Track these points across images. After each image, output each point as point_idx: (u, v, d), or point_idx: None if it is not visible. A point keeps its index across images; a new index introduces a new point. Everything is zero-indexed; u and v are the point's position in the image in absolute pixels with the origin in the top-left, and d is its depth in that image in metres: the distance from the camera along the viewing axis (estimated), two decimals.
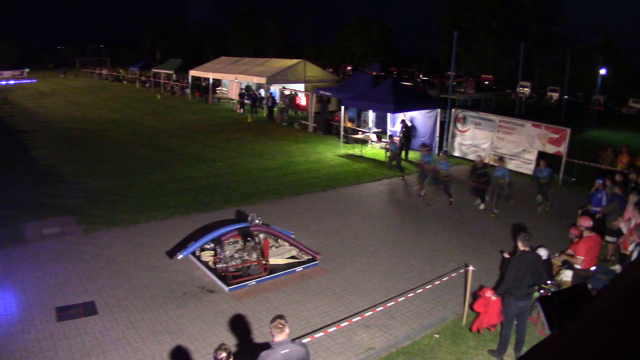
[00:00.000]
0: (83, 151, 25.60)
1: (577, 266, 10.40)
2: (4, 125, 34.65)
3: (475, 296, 9.67)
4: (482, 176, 17.19)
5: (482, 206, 17.42)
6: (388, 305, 10.14)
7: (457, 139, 24.94)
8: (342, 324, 9.50)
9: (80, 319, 10.15)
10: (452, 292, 11.19)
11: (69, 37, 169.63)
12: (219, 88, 48.97)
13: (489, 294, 8.87)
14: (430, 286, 10.87)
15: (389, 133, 26.36)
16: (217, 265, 11.83)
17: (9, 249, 13.42)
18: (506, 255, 10.36)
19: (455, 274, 11.21)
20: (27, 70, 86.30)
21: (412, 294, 10.51)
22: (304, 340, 8.02)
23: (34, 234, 14.53)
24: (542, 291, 9.87)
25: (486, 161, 18.66)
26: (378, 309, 9.99)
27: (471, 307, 9.46)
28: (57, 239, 14.25)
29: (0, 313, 10.37)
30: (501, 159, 18.64)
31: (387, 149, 22.36)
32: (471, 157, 23.87)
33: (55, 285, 11.54)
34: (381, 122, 27.74)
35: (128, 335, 9.59)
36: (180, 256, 11.58)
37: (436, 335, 9.72)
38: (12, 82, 77.01)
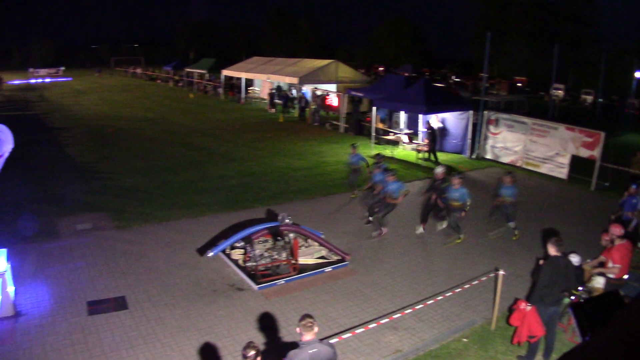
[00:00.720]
0: (117, 149, 25.97)
1: (611, 275, 10.24)
2: (40, 122, 35.35)
3: (511, 310, 9.55)
4: (442, 191, 14.84)
5: (419, 230, 15.09)
6: (417, 307, 10.10)
7: (490, 142, 24.70)
8: (370, 326, 9.49)
9: (110, 314, 10.33)
10: (482, 296, 11.10)
11: (104, 36, 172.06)
12: (251, 88, 49.22)
13: (523, 305, 8.75)
14: (459, 290, 10.79)
15: (420, 134, 26.28)
16: (247, 264, 11.91)
17: (43, 243, 13.72)
18: (541, 262, 10.22)
19: (485, 278, 11.11)
20: (63, 68, 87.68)
21: (441, 297, 10.45)
22: (332, 341, 8.04)
23: (68, 229, 14.82)
24: (573, 297, 9.73)
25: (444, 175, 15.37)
26: (406, 312, 9.95)
27: (507, 321, 9.34)
28: (89, 234, 14.50)
29: (33, 306, 10.59)
30: (459, 176, 14.68)
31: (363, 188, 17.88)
32: (504, 159, 23.64)
33: (87, 279, 11.75)
34: (413, 124, 27.63)
35: (157, 331, 9.72)
36: (210, 254, 11.67)
37: (464, 339, 9.66)
38: (48, 79, 78.43)
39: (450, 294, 10.67)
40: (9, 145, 13.21)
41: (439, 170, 15.35)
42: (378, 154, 17.73)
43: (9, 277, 10.26)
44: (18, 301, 10.54)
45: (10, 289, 10.32)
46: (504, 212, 14.91)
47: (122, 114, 39.01)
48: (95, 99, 49.27)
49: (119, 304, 10.77)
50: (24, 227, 14.88)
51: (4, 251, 10.81)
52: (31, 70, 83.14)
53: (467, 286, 10.86)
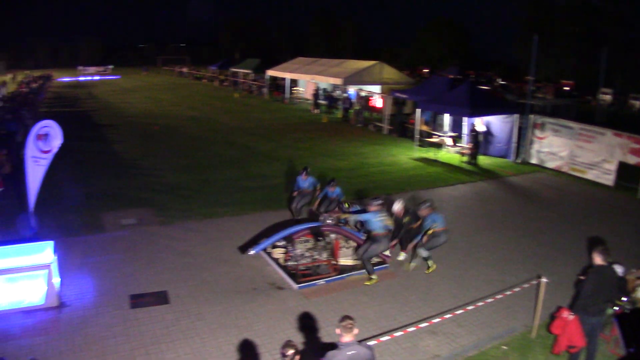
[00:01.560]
0: (162, 146, 26.40)
1: None
2: (88, 119, 36.19)
3: (552, 317, 9.38)
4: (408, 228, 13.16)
5: (401, 256, 13.31)
6: (456, 313, 10.00)
7: (535, 146, 24.29)
8: (409, 329, 9.43)
9: (152, 307, 10.52)
10: (523, 304, 10.90)
11: (151, 36, 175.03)
12: (295, 88, 49.43)
13: (565, 314, 8.58)
14: (500, 296, 10.64)
15: (464, 137, 26.02)
16: (288, 263, 11.97)
17: (88, 236, 14.10)
18: (582, 278, 9.96)
19: (527, 285, 10.90)
20: (111, 66, 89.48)
21: (481, 303, 10.31)
22: (370, 343, 8.03)
23: (113, 224, 15.16)
24: (616, 308, 9.51)
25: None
26: (446, 316, 9.86)
27: (548, 329, 9.17)
28: (134, 229, 14.80)
29: (77, 297, 10.86)
30: (426, 204, 12.71)
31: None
32: (549, 165, 23.23)
33: (130, 273, 11.99)
34: (457, 126, 27.37)
35: (197, 326, 9.84)
36: (252, 252, 11.76)
37: (504, 347, 9.52)
38: (96, 77, 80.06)
39: (490, 300, 10.53)
40: (57, 141, 13.59)
41: (396, 207, 13.18)
42: (333, 179, 14.99)
43: (55, 268, 10.53)
44: (63, 292, 10.82)
45: (56, 280, 10.59)
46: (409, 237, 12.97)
47: (167, 112, 39.61)
48: (141, 97, 50.16)
49: (161, 298, 10.95)
50: (70, 221, 15.29)
51: (51, 243, 11.11)
52: (80, 68, 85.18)
53: (508, 292, 10.70)
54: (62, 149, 13.98)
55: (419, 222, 12.73)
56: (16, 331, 9.61)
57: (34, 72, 76.83)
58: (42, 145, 13.54)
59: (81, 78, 79.55)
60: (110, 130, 31.43)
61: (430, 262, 12.42)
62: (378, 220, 11.59)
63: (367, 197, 14.50)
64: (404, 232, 13.04)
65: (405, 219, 13.06)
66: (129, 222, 15.38)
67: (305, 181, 15.54)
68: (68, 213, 15.98)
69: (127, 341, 9.31)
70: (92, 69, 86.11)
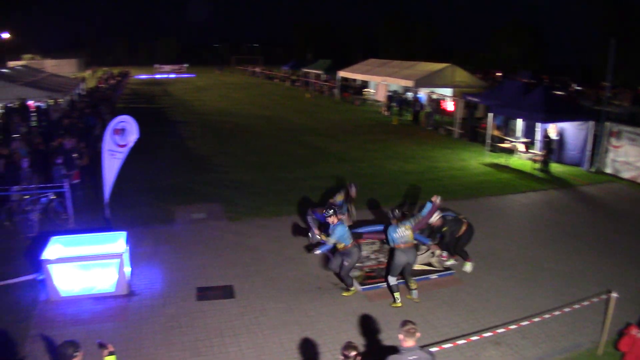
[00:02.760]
0: (233, 144, 26.92)
1: None
2: (164, 116, 37.24)
3: (621, 334, 9.06)
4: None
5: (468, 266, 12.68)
6: (522, 324, 9.77)
7: (610, 155, 23.44)
8: (472, 338, 9.28)
9: (218, 301, 10.82)
10: (591, 318, 10.52)
11: (226, 36, 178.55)
12: (366, 89, 49.39)
13: (634, 331, 8.28)
14: (568, 309, 10.33)
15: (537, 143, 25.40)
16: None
17: (160, 229, 14.58)
18: None
19: (596, 300, 10.53)
20: (186, 65, 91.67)
21: (548, 316, 10.03)
22: (432, 349, 7.96)
23: (183, 217, 15.62)
24: None
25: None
26: (511, 327, 9.64)
27: (616, 346, 8.85)
28: (203, 223, 15.19)
29: (146, 287, 11.22)
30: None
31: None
32: (624, 175, 22.39)
33: (198, 266, 12.33)
34: (530, 132, 26.72)
35: (261, 322, 10.01)
36: (318, 252, 11.80)
37: None
38: (172, 75, 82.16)
39: (558, 312, 10.24)
40: (133, 136, 14.04)
41: (434, 218, 12.30)
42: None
43: (126, 258, 10.96)
44: (133, 281, 11.24)
45: (127, 269, 11.01)
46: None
47: (240, 110, 40.28)
48: (215, 96, 51.18)
49: (227, 292, 11.21)
50: (143, 213, 15.81)
51: (123, 234, 11.56)
52: (156, 66, 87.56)
53: (576, 306, 10.38)
54: (138, 143, 14.44)
55: (464, 228, 12.40)
56: (86, 316, 10.05)
57: (112, 69, 79.54)
58: (119, 139, 14.03)
59: (157, 76, 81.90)
60: (184, 127, 32.27)
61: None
62: (346, 232, 10.90)
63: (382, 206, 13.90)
64: (448, 242, 12.51)
65: (444, 229, 12.37)
66: (199, 216, 15.80)
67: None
68: (141, 205, 16.56)
69: (192, 332, 9.58)
70: (168, 67, 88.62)
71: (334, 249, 11.16)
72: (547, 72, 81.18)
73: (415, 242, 11.35)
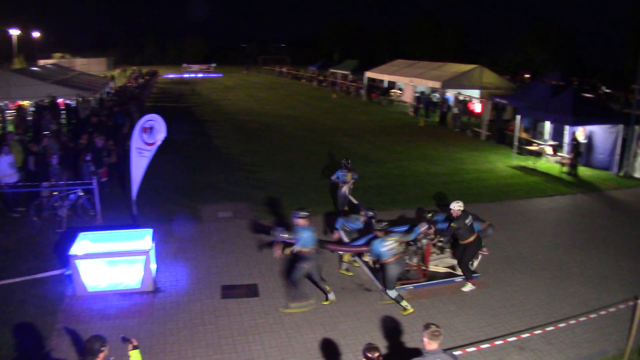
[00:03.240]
0: (260, 143, 27.04)
1: None
2: (191, 115, 37.54)
3: None
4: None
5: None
6: (547, 329, 9.68)
7: (639, 159, 23.11)
8: (496, 342, 9.22)
9: (242, 299, 10.91)
10: (617, 325, 10.35)
11: (253, 36, 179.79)
12: (393, 90, 49.25)
13: None
14: (594, 315, 10.20)
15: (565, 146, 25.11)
16: (377, 266, 11.95)
17: (186, 227, 14.79)
18: None
19: (622, 306, 10.37)
20: (214, 65, 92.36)
21: (573, 321, 9.92)
22: (455, 353, 7.92)
23: (210, 216, 15.76)
24: None
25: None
26: (535, 332, 9.56)
27: None
28: (229, 222, 15.31)
29: (171, 284, 11.33)
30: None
31: None
32: None
33: (223, 264, 12.45)
34: (558, 135, 26.43)
35: (284, 321, 10.07)
36: (342, 252, 11.82)
37: None
38: (200, 75, 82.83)
39: (583, 318, 10.11)
40: (161, 134, 14.16)
41: (423, 228, 11.81)
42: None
43: (152, 255, 11.08)
44: (158, 278, 11.38)
45: (153, 266, 11.15)
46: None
47: (266, 110, 40.43)
48: (242, 95, 51.44)
49: (251, 290, 11.29)
50: (170, 211, 15.97)
51: (150, 231, 11.68)
52: (185, 65, 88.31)
53: (602, 312, 10.25)
54: (166, 142, 14.58)
55: (472, 238, 11.65)
56: (112, 312, 10.20)
57: (141, 68, 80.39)
58: (147, 137, 14.17)
59: (185, 75, 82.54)
60: (211, 126, 32.51)
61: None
62: (311, 238, 10.55)
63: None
64: (446, 234, 12.03)
65: (453, 224, 11.66)
66: (225, 215, 15.93)
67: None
68: (168, 203, 16.73)
69: (216, 330, 9.67)
70: (195, 67, 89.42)
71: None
72: (576, 74, 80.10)
73: (402, 251, 11.06)
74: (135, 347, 6.31)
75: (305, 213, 10.58)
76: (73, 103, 28.22)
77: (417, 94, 42.05)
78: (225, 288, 11.33)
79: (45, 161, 15.53)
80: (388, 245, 10.56)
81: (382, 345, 9.29)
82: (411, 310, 10.63)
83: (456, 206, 11.52)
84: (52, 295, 10.74)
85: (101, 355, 5.97)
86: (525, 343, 9.50)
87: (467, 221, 11.45)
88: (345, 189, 15.63)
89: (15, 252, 12.83)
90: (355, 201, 15.66)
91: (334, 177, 15.94)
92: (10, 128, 24.08)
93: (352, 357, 8.95)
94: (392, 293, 10.69)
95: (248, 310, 10.42)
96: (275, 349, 9.14)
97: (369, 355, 6.02)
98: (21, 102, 29.58)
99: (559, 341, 9.70)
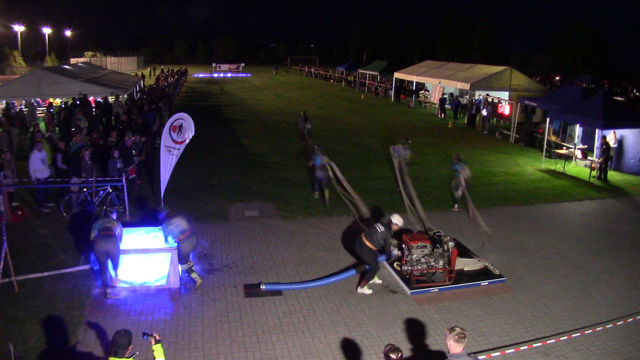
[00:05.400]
0: (288, 143, 27.15)
1: None
2: (220, 114, 37.82)
3: None
4: None
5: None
6: (573, 336, 9.57)
7: None
8: (521, 348, 9.15)
9: (266, 298, 10.94)
10: None
11: (282, 36, 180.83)
12: (422, 92, 49.10)
13: None
14: (621, 322, 10.06)
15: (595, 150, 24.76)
16: (403, 268, 11.94)
17: (214, 225, 14.90)
18: None
19: None
20: (243, 64, 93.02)
21: (600, 328, 9.79)
22: (480, 357, 7.88)
23: (237, 214, 15.88)
24: None
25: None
26: (561, 338, 9.46)
27: None
28: (256, 221, 15.40)
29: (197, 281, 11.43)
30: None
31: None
32: None
33: (248, 263, 12.54)
34: (588, 139, 26.09)
35: (308, 321, 10.09)
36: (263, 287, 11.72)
37: None
38: (229, 74, 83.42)
39: (610, 325, 9.98)
40: (190, 133, 14.31)
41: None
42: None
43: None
44: (184, 275, 11.43)
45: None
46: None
47: (295, 110, 40.51)
48: (270, 95, 51.65)
49: (276, 290, 11.29)
50: (197, 209, 16.11)
51: None
52: (214, 65, 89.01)
53: (630, 320, 10.10)
54: (195, 140, 14.72)
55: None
56: (138, 307, 10.31)
57: (171, 67, 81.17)
58: (176, 136, 14.33)
59: (215, 74, 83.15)
60: (240, 125, 32.70)
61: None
62: (171, 232, 10.95)
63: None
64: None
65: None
66: (252, 214, 16.02)
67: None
68: (195, 201, 16.89)
69: (240, 328, 9.74)
70: (225, 66, 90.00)
71: None
72: (607, 77, 78.94)
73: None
74: (157, 342, 6.39)
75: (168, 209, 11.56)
76: (100, 100, 28.55)
77: (445, 96, 41.84)
78: (249, 287, 11.37)
79: (77, 157, 15.76)
80: (174, 224, 10.98)
81: (406, 347, 9.27)
82: (201, 281, 11.25)
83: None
84: (80, 289, 10.92)
85: (129, 348, 6.08)
86: (550, 349, 9.40)
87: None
88: (320, 172, 17.12)
89: (45, 246, 13.06)
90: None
91: (313, 162, 17.39)
92: (42, 125, 24.50)
93: (375, 359, 8.93)
94: (184, 267, 11.13)
95: (272, 310, 10.47)
96: (299, 348, 9.17)
97: (391, 356, 6.01)
98: (51, 100, 30.12)
99: (585, 348, 9.56)
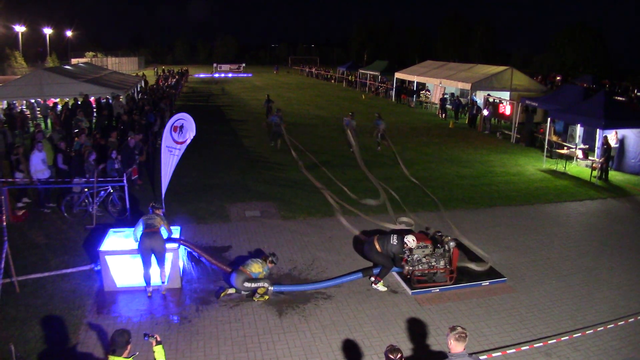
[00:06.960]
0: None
1: None
2: (221, 114, 37.82)
3: None
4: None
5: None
6: (574, 336, 9.56)
7: None
8: (523, 348, 9.15)
9: (266, 298, 10.92)
10: None
11: (283, 36, 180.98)
12: (423, 92, 49.08)
13: None
14: (622, 322, 10.06)
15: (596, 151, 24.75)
16: (404, 268, 11.93)
17: (214, 225, 14.90)
18: None
19: None
20: (244, 64, 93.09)
21: (601, 328, 9.79)
22: (481, 357, 7.88)
23: (238, 215, 15.86)
24: None
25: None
26: (562, 338, 9.46)
27: None
28: (257, 221, 15.39)
29: (199, 281, 11.44)
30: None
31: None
32: None
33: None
34: (589, 139, 26.07)
35: (310, 321, 10.13)
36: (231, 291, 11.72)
37: None
38: (230, 75, 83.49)
39: (612, 325, 9.98)
40: (191, 133, 14.31)
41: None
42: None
43: (180, 252, 11.17)
44: (186, 275, 11.45)
45: (181, 263, 11.23)
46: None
47: (296, 110, 40.54)
48: (271, 95, 51.40)
49: (282, 291, 11.29)
50: (198, 209, 16.11)
51: (178, 229, 11.80)
52: (215, 65, 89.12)
53: (631, 320, 10.09)
54: (196, 141, 14.72)
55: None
56: (140, 307, 10.33)
57: (172, 67, 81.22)
58: (177, 136, 14.33)
59: (216, 75, 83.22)
60: (240, 126, 32.70)
61: None
62: (135, 229, 10.86)
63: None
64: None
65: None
66: (253, 214, 16.02)
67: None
68: (196, 201, 16.89)
69: (242, 327, 9.76)
70: (226, 66, 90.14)
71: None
72: (608, 77, 78.90)
73: None
74: (159, 343, 6.39)
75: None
76: (103, 100, 28.55)
77: (445, 96, 41.83)
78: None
79: (80, 158, 15.76)
80: (148, 216, 10.88)
81: (407, 347, 9.27)
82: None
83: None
84: (81, 290, 10.92)
85: (128, 347, 6.08)
86: (551, 349, 9.40)
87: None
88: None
89: (45, 247, 13.07)
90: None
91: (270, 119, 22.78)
92: (48, 124, 24.47)
93: (376, 359, 8.93)
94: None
95: (273, 310, 10.47)
96: (300, 348, 9.17)
97: (391, 356, 6.01)
98: (54, 100, 30.10)
99: (586, 348, 9.56)
